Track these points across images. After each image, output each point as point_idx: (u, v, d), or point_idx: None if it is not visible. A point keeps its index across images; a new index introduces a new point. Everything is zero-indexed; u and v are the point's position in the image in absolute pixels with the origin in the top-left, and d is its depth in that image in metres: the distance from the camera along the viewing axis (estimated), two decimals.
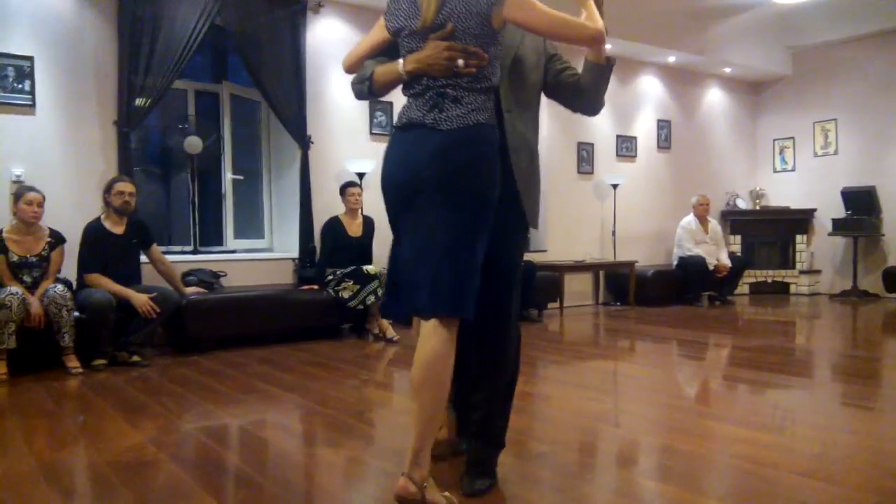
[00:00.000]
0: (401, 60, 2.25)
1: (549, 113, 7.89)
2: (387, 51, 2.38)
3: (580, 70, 2.52)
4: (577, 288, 8.06)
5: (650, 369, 4.89)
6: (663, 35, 8.19)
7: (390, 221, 2.38)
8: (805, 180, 9.50)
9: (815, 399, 3.90)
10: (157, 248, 5.07)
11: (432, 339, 2.14)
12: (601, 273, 8.31)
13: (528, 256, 7.06)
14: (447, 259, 2.13)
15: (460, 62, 2.15)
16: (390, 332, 5.64)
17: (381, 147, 6.63)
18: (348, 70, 2.51)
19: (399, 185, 2.26)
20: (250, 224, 6.57)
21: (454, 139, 2.15)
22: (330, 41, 6.43)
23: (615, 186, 8.21)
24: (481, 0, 2.13)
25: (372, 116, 6.63)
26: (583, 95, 2.56)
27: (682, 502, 2.31)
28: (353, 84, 2.49)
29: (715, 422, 3.30)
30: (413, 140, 2.22)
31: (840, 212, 8.78)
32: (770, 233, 9.54)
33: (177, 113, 6.15)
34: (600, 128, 8.40)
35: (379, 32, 2.36)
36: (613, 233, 8.32)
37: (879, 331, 6.52)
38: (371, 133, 6.63)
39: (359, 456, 2.87)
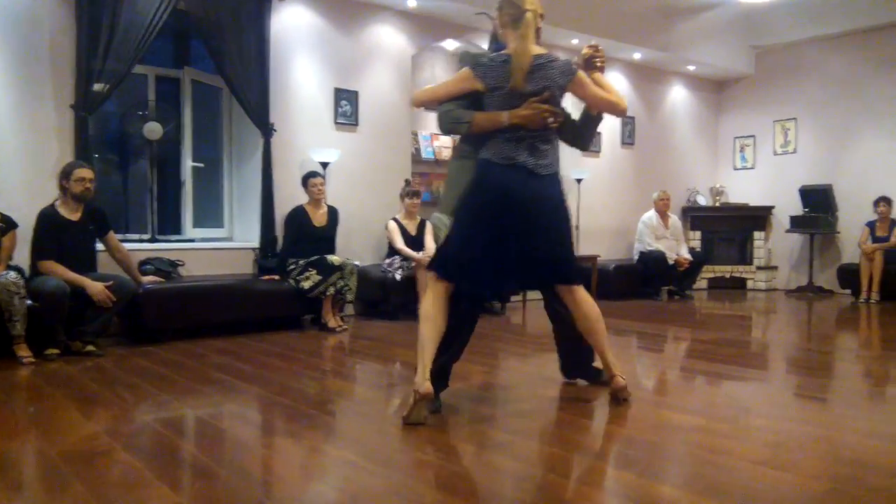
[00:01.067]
0: (505, 113, 2.97)
1: None
2: (461, 98, 3.08)
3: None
4: None
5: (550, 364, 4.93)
6: (630, 32, 8.26)
7: (467, 223, 3.07)
8: (764, 178, 9.67)
9: (769, 390, 3.98)
10: (113, 236, 4.96)
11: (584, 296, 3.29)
12: None
13: None
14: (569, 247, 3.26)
15: (550, 120, 3.00)
16: (332, 323, 5.59)
17: (345, 136, 6.62)
18: (419, 105, 3.33)
19: (505, 206, 3.00)
20: (210, 213, 6.47)
21: (550, 182, 3.11)
22: (295, 29, 6.35)
23: (579, 181, 8.26)
24: (564, 76, 3.05)
25: (337, 106, 6.56)
26: (581, 137, 3.46)
27: (642, 489, 2.33)
28: (448, 122, 3.11)
29: (673, 412, 3.34)
30: (516, 177, 3.01)
31: (797, 209, 8.97)
32: (729, 229, 9.71)
33: (136, 98, 6.01)
34: None
35: (467, 84, 3.05)
36: (577, 227, 8.37)
37: (833, 326, 6.68)
38: (336, 122, 6.57)
39: (319, 446, 2.84)
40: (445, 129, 3.23)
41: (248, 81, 5.94)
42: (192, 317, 5.22)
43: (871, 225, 8.19)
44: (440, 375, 3.18)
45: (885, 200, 8.09)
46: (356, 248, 6.56)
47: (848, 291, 8.45)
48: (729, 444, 2.82)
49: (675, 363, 4.89)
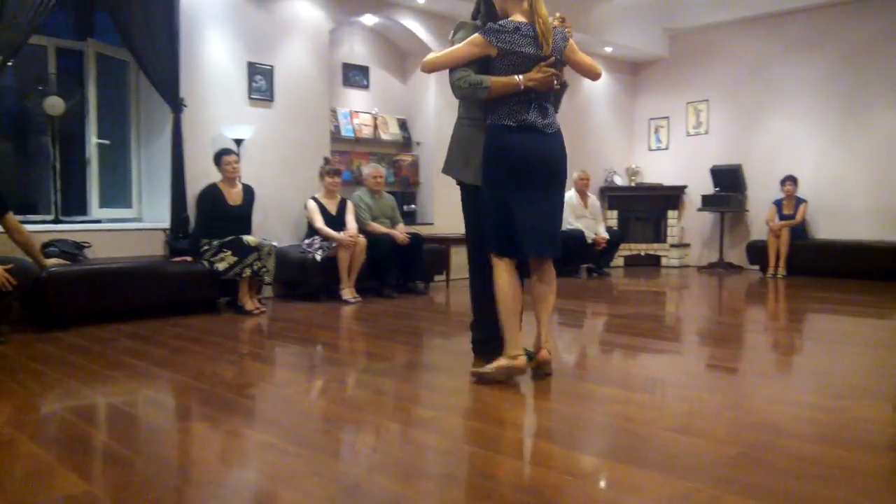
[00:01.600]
0: (518, 77, 3.11)
1: (438, 90, 7.85)
2: (470, 63, 3.20)
3: None
4: (463, 260, 8.05)
5: (531, 337, 4.98)
6: (549, 12, 8.28)
7: (499, 192, 3.19)
8: (678, 158, 9.97)
9: (683, 362, 4.10)
10: (12, 217, 4.64)
11: (552, 269, 3.41)
12: None
13: (415, 229, 7.07)
14: (559, 219, 3.42)
15: (555, 83, 3.20)
16: (250, 305, 5.46)
17: (260, 112, 6.43)
18: (431, 71, 3.34)
19: (529, 169, 3.18)
20: (117, 192, 6.16)
21: (557, 140, 3.29)
22: (207, 0, 6.09)
23: None
24: (563, 41, 3.27)
25: (251, 81, 6.34)
26: (557, 102, 3.45)
27: (563, 459, 2.36)
28: (463, 87, 3.18)
29: (593, 384, 3.40)
30: (532, 139, 3.19)
31: (709, 189, 9.28)
32: (644, 208, 9.98)
33: (36, 71, 5.65)
34: None
35: (480, 49, 3.15)
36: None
37: (742, 300, 6.96)
38: (250, 98, 6.35)
39: (238, 430, 2.75)
40: (464, 93, 3.24)
41: (156, 54, 5.67)
42: (100, 301, 4.97)
43: (778, 203, 8.56)
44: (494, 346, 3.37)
45: (791, 179, 8.46)
46: (273, 227, 6.39)
47: (756, 267, 8.82)
48: (646, 413, 2.88)
49: (594, 338, 4.99)
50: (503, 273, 3.25)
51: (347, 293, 6.12)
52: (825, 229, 8.61)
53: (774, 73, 9.01)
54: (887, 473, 2.21)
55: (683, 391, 3.26)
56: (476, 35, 3.18)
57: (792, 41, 8.84)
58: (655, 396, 3.18)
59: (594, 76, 3.47)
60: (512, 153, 3.18)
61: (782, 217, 8.45)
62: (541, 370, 3.38)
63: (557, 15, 3.37)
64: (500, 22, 3.19)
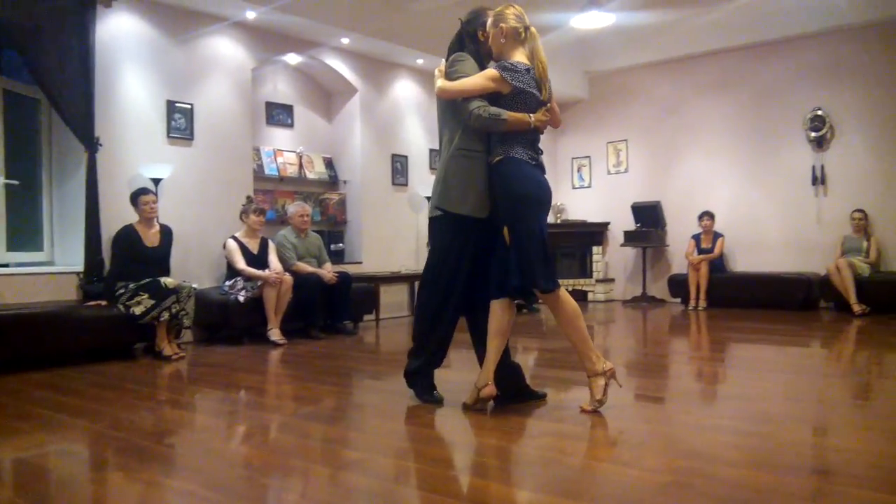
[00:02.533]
0: (530, 116, 3.28)
1: (364, 128, 7.85)
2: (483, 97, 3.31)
3: None
4: (393, 299, 8.05)
5: (462, 373, 4.92)
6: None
7: (540, 222, 3.32)
8: (600, 196, 10.22)
9: (612, 393, 4.10)
10: None
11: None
12: (416, 284, 8.36)
13: (343, 268, 6.98)
14: None
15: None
16: (168, 350, 5.24)
17: (179, 151, 6.27)
18: (449, 97, 3.36)
19: (547, 204, 3.40)
20: (27, 235, 5.85)
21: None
22: (124, 37, 5.93)
23: (429, 198, 8.30)
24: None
25: (170, 119, 6.18)
26: None
27: (498, 495, 2.30)
28: (484, 116, 3.24)
29: (524, 418, 3.37)
30: (541, 174, 3.38)
31: (630, 225, 9.54)
32: (570, 244, 10.16)
33: None
34: (414, 141, 8.49)
35: (495, 84, 3.26)
36: (428, 244, 8.40)
37: (666, 332, 7.10)
38: (169, 136, 6.18)
39: (156, 479, 2.59)
40: (483, 123, 3.27)
41: (70, 92, 5.46)
42: (8, 349, 4.65)
43: (696, 238, 8.85)
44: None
45: (709, 215, 8.77)
46: (193, 269, 6.19)
47: (678, 300, 9.06)
48: (578, 445, 2.87)
49: (525, 372, 4.96)
50: (568, 298, 3.39)
51: (275, 333, 5.94)
52: (742, 262, 8.94)
53: (688, 113, 9.40)
54: (813, 495, 2.24)
55: (613, 422, 3.27)
56: (492, 71, 3.27)
57: (704, 83, 9.26)
58: (585, 428, 3.17)
59: (559, 124, 3.56)
60: (544, 187, 3.35)
61: (701, 251, 8.73)
62: (479, 404, 3.41)
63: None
64: (511, 62, 3.30)
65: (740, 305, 8.37)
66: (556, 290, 3.33)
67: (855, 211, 7.98)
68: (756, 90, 8.88)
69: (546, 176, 3.43)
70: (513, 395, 3.55)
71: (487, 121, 3.25)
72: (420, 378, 3.62)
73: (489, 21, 3.44)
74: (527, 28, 3.39)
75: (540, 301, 7.59)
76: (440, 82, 3.37)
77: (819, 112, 8.36)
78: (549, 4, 8.03)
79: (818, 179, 8.43)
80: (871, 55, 8.10)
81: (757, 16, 8.15)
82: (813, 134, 8.41)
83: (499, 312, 3.35)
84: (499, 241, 3.37)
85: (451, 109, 3.42)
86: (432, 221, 3.58)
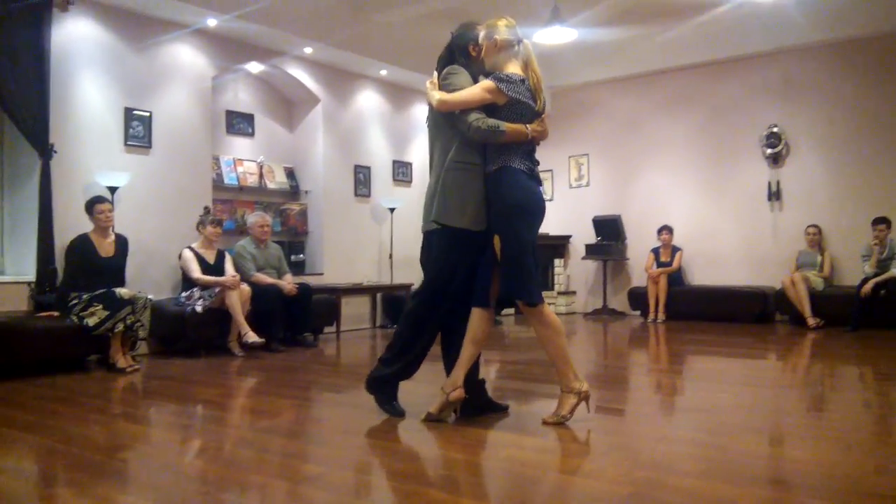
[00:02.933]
0: (527, 126, 3.30)
1: (327, 138, 7.81)
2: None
3: None
4: (355, 311, 7.99)
5: (425, 386, 4.90)
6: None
7: (531, 235, 3.35)
8: (562, 209, 10.30)
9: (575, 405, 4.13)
10: None
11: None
12: (378, 295, 8.32)
13: (303, 279, 6.91)
14: None
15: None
16: (122, 363, 5.12)
17: (137, 159, 6.15)
18: (447, 110, 3.32)
19: (541, 215, 3.43)
20: None
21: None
22: (81, 42, 5.82)
23: (392, 210, 8.30)
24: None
25: (128, 126, 6.06)
26: None
27: None
28: (482, 128, 3.24)
29: (487, 430, 3.35)
30: (538, 188, 3.42)
31: (591, 238, 9.63)
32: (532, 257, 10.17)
33: None
34: (377, 152, 8.47)
35: (493, 96, 3.27)
36: (390, 256, 8.38)
37: (626, 344, 7.17)
38: (126, 144, 6.06)
39: (109, 495, 2.51)
40: (481, 135, 3.27)
41: (23, 98, 5.33)
42: None
43: (655, 251, 8.97)
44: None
45: (667, 229, 8.90)
46: (150, 279, 6.06)
47: (638, 312, 9.16)
48: (539, 457, 2.86)
49: (487, 385, 4.95)
50: (551, 313, 3.40)
51: (251, 336, 5.80)
52: (700, 276, 9.08)
53: (648, 129, 9.55)
54: None
55: (574, 433, 3.27)
56: (489, 82, 3.28)
57: (663, 99, 9.42)
58: (548, 440, 3.16)
59: (546, 135, 3.51)
60: (537, 198, 3.38)
61: (660, 264, 8.84)
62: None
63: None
64: (506, 73, 3.32)
65: (698, 318, 8.49)
66: (540, 304, 3.32)
67: (809, 226, 8.17)
68: (714, 107, 9.06)
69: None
70: (475, 409, 3.53)
71: (486, 132, 3.25)
72: (386, 386, 3.58)
73: (482, 33, 3.45)
74: (520, 40, 3.45)
75: (518, 313, 7.51)
76: (438, 94, 3.33)
77: (775, 129, 8.57)
78: (515, 19, 8.08)
79: (774, 195, 8.63)
80: (825, 74, 8.33)
81: (715, 34, 8.33)
82: (769, 150, 8.61)
83: (477, 321, 3.35)
84: (488, 250, 3.35)
85: (446, 122, 3.39)
86: (428, 235, 3.54)
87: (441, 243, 3.45)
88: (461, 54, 3.52)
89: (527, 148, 3.37)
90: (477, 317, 3.35)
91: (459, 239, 3.38)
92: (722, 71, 8.96)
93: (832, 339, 6.73)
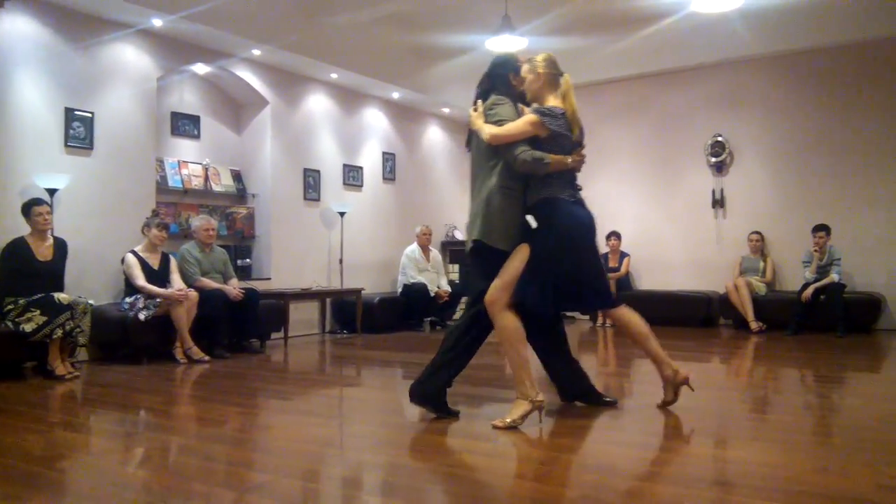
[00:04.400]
0: (568, 157, 3.51)
1: (274, 142, 7.70)
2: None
3: None
4: (303, 316, 7.88)
5: (376, 392, 4.88)
6: (388, 71, 8.46)
7: (571, 258, 3.52)
8: None
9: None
10: None
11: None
12: (328, 301, 8.23)
13: (250, 284, 6.79)
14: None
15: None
16: (61, 370, 4.94)
17: (78, 161, 5.98)
18: (496, 143, 3.50)
19: (590, 237, 3.64)
20: None
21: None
22: (19, 40, 5.60)
23: (342, 214, 8.22)
24: None
25: (69, 127, 5.86)
26: None
27: None
28: (530, 161, 3.43)
29: (436, 436, 3.33)
30: (585, 211, 3.63)
31: None
32: None
33: None
34: (327, 155, 8.39)
35: (536, 129, 3.47)
36: (340, 260, 8.31)
37: (575, 348, 7.20)
38: (66, 145, 5.85)
39: None
40: (527, 167, 3.46)
41: None
42: None
43: (604, 257, 9.08)
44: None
45: (616, 235, 9.03)
46: (91, 284, 5.87)
47: (587, 317, 9.26)
48: (489, 462, 2.86)
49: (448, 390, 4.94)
50: (512, 319, 3.53)
51: (196, 352, 5.75)
52: (646, 281, 9.24)
53: (597, 138, 9.62)
54: None
55: (524, 437, 3.28)
56: (533, 116, 3.48)
57: (611, 109, 9.57)
58: (499, 444, 3.16)
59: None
60: (582, 224, 3.58)
61: (608, 270, 8.96)
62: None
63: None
64: (548, 107, 3.54)
65: (645, 322, 8.60)
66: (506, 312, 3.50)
67: (752, 232, 8.39)
68: (660, 117, 9.24)
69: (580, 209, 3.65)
70: (579, 395, 3.95)
71: (532, 164, 3.44)
72: (442, 396, 3.71)
73: (525, 67, 3.68)
74: (560, 74, 3.67)
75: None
76: (489, 129, 3.51)
77: (719, 138, 8.78)
78: (466, 25, 8.13)
79: (718, 202, 8.84)
80: (768, 85, 8.58)
81: (662, 46, 8.50)
82: (713, 159, 8.82)
83: (628, 318, 3.93)
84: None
85: (489, 149, 3.57)
86: (474, 250, 3.66)
87: (483, 259, 3.63)
88: (501, 83, 3.72)
89: (568, 176, 3.58)
90: (626, 315, 3.89)
91: (494, 257, 3.55)
92: (669, 81, 9.15)
93: (774, 342, 6.91)
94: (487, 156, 3.61)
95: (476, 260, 3.68)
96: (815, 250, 7.56)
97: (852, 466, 2.71)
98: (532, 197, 3.54)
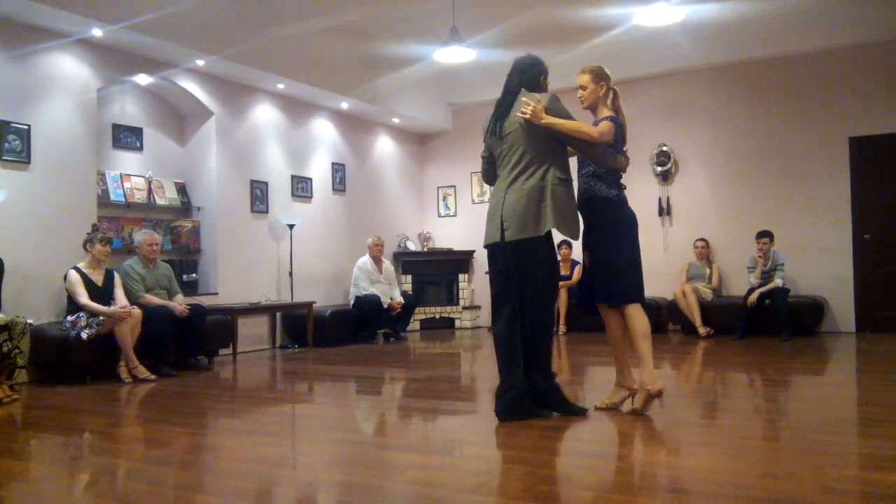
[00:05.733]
0: (621, 158, 3.95)
1: (219, 153, 7.56)
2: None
3: None
4: (253, 331, 7.74)
5: (328, 408, 4.81)
6: (336, 81, 8.40)
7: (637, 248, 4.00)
8: (465, 224, 10.39)
9: (478, 421, 4.14)
10: None
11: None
12: (278, 315, 8.10)
13: (196, 299, 6.63)
14: None
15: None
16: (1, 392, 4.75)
17: (14, 175, 5.79)
18: (602, 139, 3.77)
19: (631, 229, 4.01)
20: None
21: None
22: None
23: (291, 226, 8.11)
24: None
25: (4, 140, 5.62)
26: None
27: None
28: (610, 157, 3.83)
29: (390, 451, 3.30)
30: (629, 207, 4.04)
31: None
32: (437, 272, 10.23)
33: None
34: (275, 167, 8.27)
35: (611, 134, 3.83)
36: (290, 273, 8.19)
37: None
38: (2, 159, 5.62)
39: None
40: (608, 162, 3.82)
41: None
42: None
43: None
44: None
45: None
46: (30, 303, 5.66)
47: None
48: (444, 476, 2.83)
49: (392, 404, 4.90)
50: (616, 324, 4.11)
51: (141, 371, 5.61)
52: None
53: None
54: None
55: (479, 450, 3.27)
56: (609, 122, 3.81)
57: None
58: (453, 458, 3.14)
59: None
60: (632, 217, 3.97)
61: (560, 278, 9.03)
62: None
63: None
64: (613, 116, 3.90)
65: (597, 330, 8.54)
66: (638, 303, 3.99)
67: (698, 240, 8.57)
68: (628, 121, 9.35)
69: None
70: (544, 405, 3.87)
71: (609, 161, 3.82)
72: (559, 392, 3.85)
73: (586, 76, 4.00)
74: (613, 89, 3.99)
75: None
76: (589, 127, 3.78)
77: (664, 148, 8.96)
78: (415, 36, 8.15)
79: (664, 210, 9.01)
80: (710, 95, 8.80)
81: (606, 57, 8.41)
82: (659, 168, 8.99)
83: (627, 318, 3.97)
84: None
85: (544, 138, 3.77)
86: (531, 244, 3.73)
87: (541, 250, 3.78)
88: (532, 83, 3.95)
89: (618, 176, 3.94)
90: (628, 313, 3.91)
91: (551, 247, 3.86)
92: (637, 88, 9.29)
93: (721, 346, 7.06)
94: (531, 147, 3.77)
95: (523, 254, 3.72)
96: (760, 256, 7.76)
97: (798, 470, 2.77)
98: (586, 193, 3.89)
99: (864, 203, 7.99)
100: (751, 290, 7.68)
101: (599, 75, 3.96)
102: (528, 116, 3.73)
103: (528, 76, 3.97)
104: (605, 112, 3.92)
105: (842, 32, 7.90)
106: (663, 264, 8.92)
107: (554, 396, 3.83)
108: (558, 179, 3.74)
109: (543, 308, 3.85)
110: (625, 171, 3.99)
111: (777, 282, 7.61)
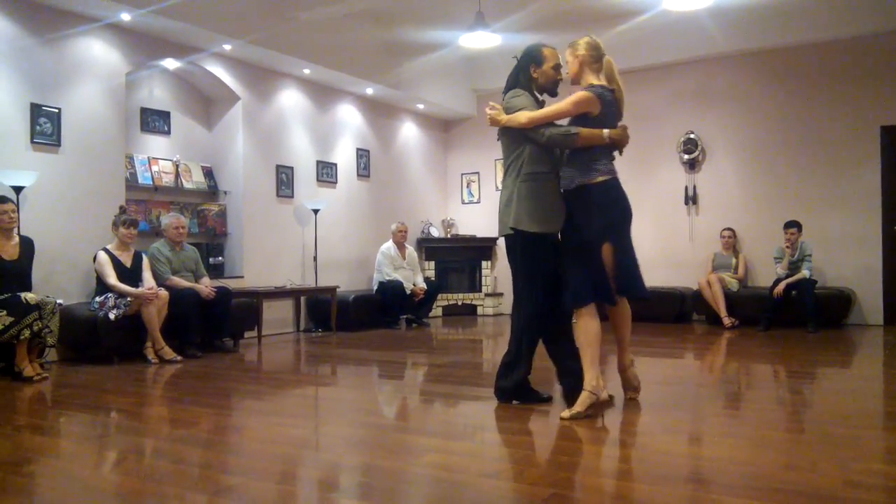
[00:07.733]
0: (605, 130, 3.62)
1: (247, 138, 7.62)
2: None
3: None
4: (277, 315, 7.81)
5: (351, 391, 4.85)
6: (361, 67, 8.40)
7: (605, 239, 3.71)
8: (488, 211, 10.35)
9: (499, 406, 4.14)
10: None
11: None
12: (302, 299, 8.17)
13: (222, 282, 6.71)
14: None
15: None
16: (29, 371, 4.84)
17: (45, 157, 5.86)
18: (534, 125, 3.61)
19: (629, 217, 3.86)
20: None
21: None
22: None
23: (316, 211, 8.16)
24: None
25: (35, 123, 5.74)
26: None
27: None
28: (561, 134, 3.60)
29: (412, 435, 3.32)
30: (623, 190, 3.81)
31: None
32: (460, 259, 10.24)
33: None
34: (301, 152, 8.31)
35: (588, 107, 3.60)
36: (315, 258, 8.25)
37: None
38: (33, 142, 5.73)
39: None
40: (559, 140, 3.61)
41: None
42: None
43: None
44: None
45: None
46: (59, 283, 5.77)
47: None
48: (464, 461, 2.85)
49: (414, 388, 4.94)
50: (593, 317, 3.67)
51: (168, 352, 5.70)
52: None
53: None
54: None
55: (499, 436, 3.28)
56: (586, 93, 3.60)
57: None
58: (473, 443, 3.16)
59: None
60: (624, 203, 3.77)
61: None
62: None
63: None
64: (600, 85, 3.68)
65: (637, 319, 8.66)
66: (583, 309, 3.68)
67: (724, 229, 8.47)
68: (633, 114, 9.13)
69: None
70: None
71: (560, 137, 3.59)
72: (526, 387, 3.89)
73: (567, 51, 3.81)
74: (601, 56, 3.76)
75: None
76: (525, 114, 3.62)
77: (692, 135, 8.85)
78: (440, 21, 8.11)
79: (691, 199, 8.91)
80: (738, 82, 8.66)
81: (634, 43, 8.54)
82: (686, 156, 8.89)
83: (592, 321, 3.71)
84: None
85: (516, 138, 3.69)
86: (510, 241, 3.80)
87: (517, 248, 3.78)
88: (524, 75, 3.87)
89: (607, 151, 3.72)
90: (591, 317, 3.66)
91: (533, 242, 3.71)
92: (641, 79, 9.18)
93: (746, 338, 6.99)
94: (510, 148, 3.74)
95: (527, 249, 3.73)
96: (787, 246, 7.65)
97: (821, 462, 2.75)
98: (584, 178, 3.66)
99: (894, 194, 7.84)
100: (777, 281, 7.58)
101: (574, 45, 3.80)
102: (489, 124, 3.78)
103: (522, 71, 3.92)
104: (589, 82, 3.73)
105: (873, 19, 7.71)
106: (689, 254, 8.84)
107: (521, 390, 3.91)
108: (525, 175, 3.69)
109: (525, 303, 3.91)
110: (621, 146, 3.76)
111: (804, 273, 7.51)
